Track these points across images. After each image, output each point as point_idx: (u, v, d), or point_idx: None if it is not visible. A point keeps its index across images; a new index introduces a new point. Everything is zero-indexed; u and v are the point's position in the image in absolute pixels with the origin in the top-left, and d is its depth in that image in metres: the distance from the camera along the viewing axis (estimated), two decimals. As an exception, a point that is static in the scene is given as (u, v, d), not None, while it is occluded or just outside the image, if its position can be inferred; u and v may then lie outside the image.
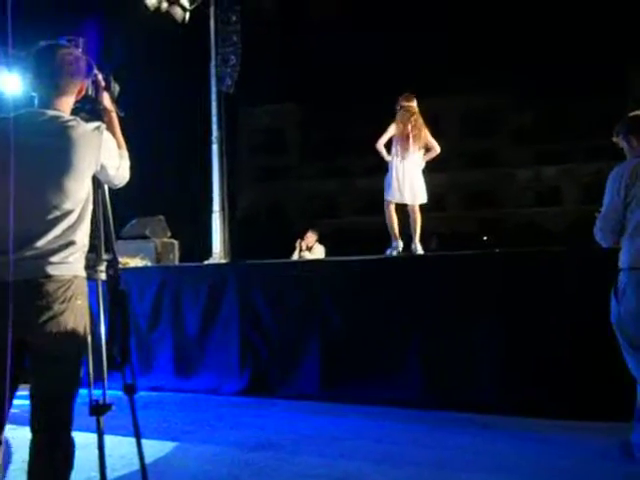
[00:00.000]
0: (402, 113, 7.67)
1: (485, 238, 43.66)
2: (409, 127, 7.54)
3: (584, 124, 45.13)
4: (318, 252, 12.10)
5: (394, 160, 7.63)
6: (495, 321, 5.76)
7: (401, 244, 7.71)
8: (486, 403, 5.52)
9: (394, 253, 7.60)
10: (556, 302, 5.55)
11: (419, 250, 7.64)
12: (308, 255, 11.71)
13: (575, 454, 4.41)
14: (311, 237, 12.13)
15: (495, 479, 3.97)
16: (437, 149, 7.74)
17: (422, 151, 7.73)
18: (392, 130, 7.64)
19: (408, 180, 7.59)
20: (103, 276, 3.03)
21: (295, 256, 11.71)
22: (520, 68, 44.60)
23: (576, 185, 48.98)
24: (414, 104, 7.75)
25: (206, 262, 10.70)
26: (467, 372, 5.76)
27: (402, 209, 7.79)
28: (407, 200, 7.66)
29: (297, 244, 11.98)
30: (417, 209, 7.74)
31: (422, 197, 7.73)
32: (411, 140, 7.52)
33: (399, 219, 7.77)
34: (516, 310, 5.69)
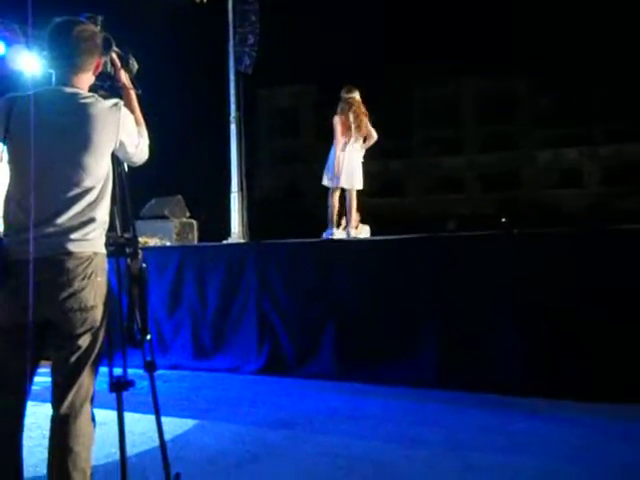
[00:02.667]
0: (343, 105, 7.98)
1: (504, 220, 43.46)
2: (351, 118, 7.84)
3: (604, 106, 44.65)
4: (364, 232, 12.14)
5: (336, 148, 7.89)
6: (514, 301, 5.73)
7: (338, 231, 8.16)
8: (504, 383, 5.50)
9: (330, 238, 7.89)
10: (575, 282, 5.51)
11: (352, 234, 8.08)
12: (354, 233, 11.79)
13: (594, 435, 4.39)
14: (354, 217, 12.18)
15: (511, 459, 3.95)
16: (375, 137, 8.10)
17: (361, 140, 8.06)
18: (337, 121, 7.90)
19: (349, 166, 7.91)
20: (123, 253, 3.03)
21: (339, 232, 11.76)
22: (539, 50, 44.14)
23: (597, 166, 48.57)
24: (355, 95, 8.06)
25: (225, 242, 10.73)
26: (484, 352, 5.74)
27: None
28: (346, 185, 7.97)
29: (343, 220, 12.04)
30: (354, 195, 8.14)
31: (360, 184, 8.07)
32: (353, 130, 7.85)
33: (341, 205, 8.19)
34: (535, 290, 5.65)
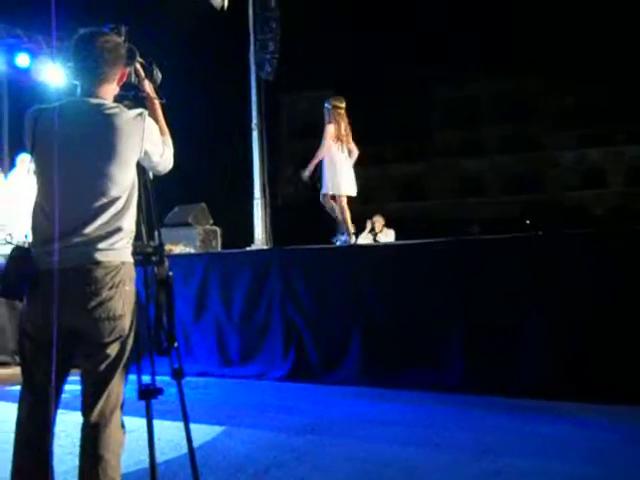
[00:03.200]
0: (335, 114, 8.05)
1: (528, 222, 43.18)
2: (342, 127, 7.99)
3: (628, 105, 44.20)
4: (389, 236, 12.17)
5: (335, 156, 7.93)
6: (539, 304, 5.69)
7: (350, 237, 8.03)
8: (530, 387, 5.47)
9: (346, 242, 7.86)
10: (601, 284, 5.46)
11: (350, 240, 7.96)
12: (379, 237, 11.83)
13: (623, 439, 4.35)
14: (379, 221, 12.25)
15: (538, 464, 3.92)
16: (356, 153, 8.17)
17: (347, 151, 8.10)
18: (331, 129, 7.96)
19: (346, 173, 8.00)
20: (149, 262, 3.05)
21: (364, 235, 11.79)
22: (560, 49, 43.85)
23: (621, 167, 48.08)
24: (344, 105, 8.14)
25: (248, 248, 10.76)
26: (509, 356, 5.71)
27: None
28: (350, 192, 8.04)
29: (368, 224, 12.09)
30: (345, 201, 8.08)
31: (354, 190, 8.10)
32: (344, 139, 7.99)
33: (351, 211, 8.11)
34: (560, 293, 5.60)
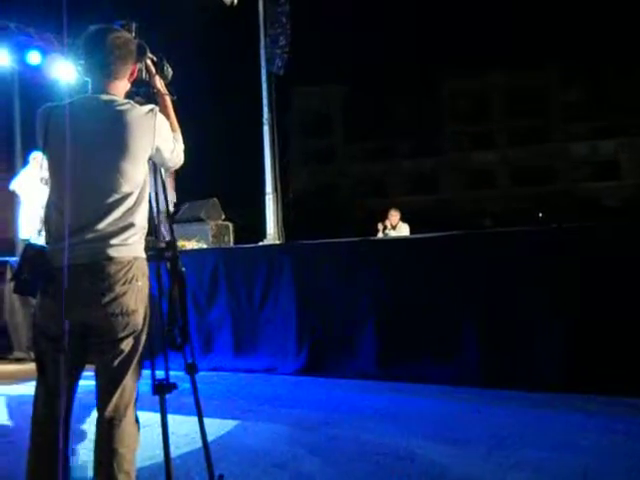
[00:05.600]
0: None
1: (541, 215, 43.00)
2: None
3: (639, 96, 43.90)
4: (403, 230, 12.17)
5: None
6: (555, 297, 5.65)
7: None
8: (547, 381, 5.44)
9: None
10: (616, 277, 5.43)
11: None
12: (393, 233, 11.81)
13: (638, 431, 4.33)
14: (395, 216, 12.27)
15: (556, 457, 3.91)
16: None
17: None
18: None
19: None
20: (162, 257, 3.06)
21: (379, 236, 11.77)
22: (569, 40, 43.59)
23: (634, 158, 47.76)
24: None
25: (261, 243, 10.78)
26: (527, 349, 5.68)
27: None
28: None
29: (379, 226, 12.10)
30: None
31: None
32: None
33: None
34: (576, 286, 5.57)
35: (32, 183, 9.00)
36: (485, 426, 4.61)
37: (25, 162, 9.85)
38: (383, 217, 12.42)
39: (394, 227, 12.05)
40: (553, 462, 3.81)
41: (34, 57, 11.04)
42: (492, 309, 5.89)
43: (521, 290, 5.78)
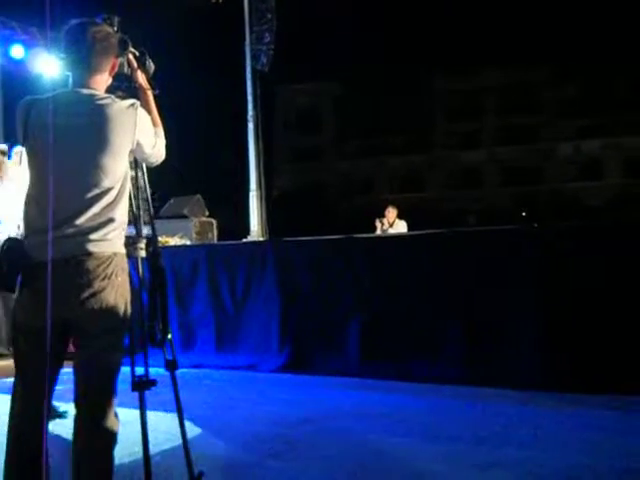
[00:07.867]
0: None
1: (524, 214, 43.24)
2: None
3: (626, 96, 44.20)
4: (401, 227, 12.16)
5: None
6: (536, 296, 5.69)
7: None
8: (528, 379, 5.47)
9: None
10: (597, 276, 5.46)
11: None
12: (391, 231, 11.79)
13: (619, 429, 4.36)
14: (392, 213, 12.26)
15: (534, 454, 3.92)
16: None
17: None
18: None
19: None
20: (143, 253, 3.05)
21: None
22: (558, 40, 43.83)
23: (619, 158, 48.08)
24: None
25: (245, 240, 10.77)
26: (508, 348, 5.71)
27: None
28: None
29: (377, 223, 12.08)
30: None
31: None
32: None
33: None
34: (557, 285, 5.61)
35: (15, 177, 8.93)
36: (468, 424, 4.62)
37: (8, 157, 9.77)
38: (375, 214, 12.41)
39: (391, 224, 12.03)
40: (534, 460, 3.82)
41: (17, 51, 10.99)
42: (475, 307, 5.91)
43: (503, 288, 5.81)
